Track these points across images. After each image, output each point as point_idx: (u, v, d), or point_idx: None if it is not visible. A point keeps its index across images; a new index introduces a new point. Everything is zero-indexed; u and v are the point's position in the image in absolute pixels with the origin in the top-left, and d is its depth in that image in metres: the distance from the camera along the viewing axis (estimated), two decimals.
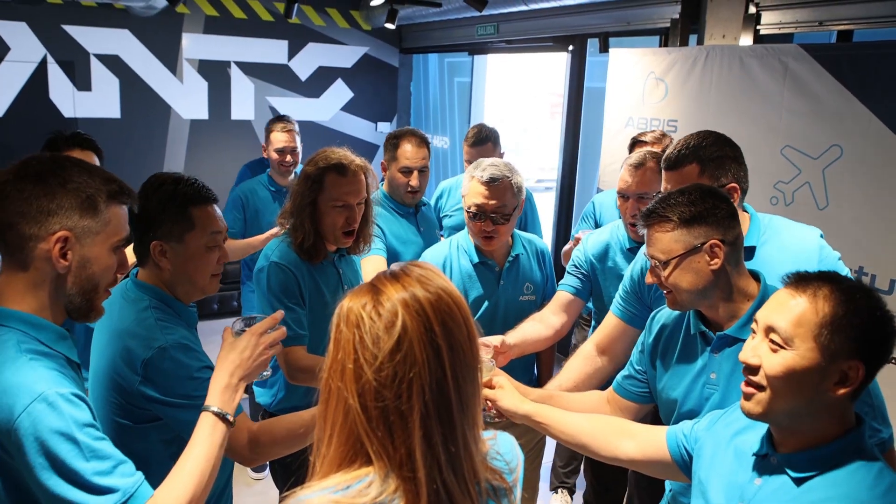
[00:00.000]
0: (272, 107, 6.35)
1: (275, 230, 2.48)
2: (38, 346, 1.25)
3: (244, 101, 6.23)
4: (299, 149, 3.77)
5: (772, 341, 1.25)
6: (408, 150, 2.87)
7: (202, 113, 6.08)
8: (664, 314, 1.83)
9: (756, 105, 3.28)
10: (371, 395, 0.95)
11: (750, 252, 1.92)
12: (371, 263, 2.53)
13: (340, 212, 2.22)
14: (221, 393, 1.41)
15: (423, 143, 2.89)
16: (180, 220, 1.65)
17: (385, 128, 7.03)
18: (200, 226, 1.67)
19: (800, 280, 1.28)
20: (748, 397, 1.29)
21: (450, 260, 2.45)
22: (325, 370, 1.01)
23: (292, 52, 6.37)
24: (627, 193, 2.39)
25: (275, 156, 3.71)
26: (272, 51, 6.28)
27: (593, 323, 2.69)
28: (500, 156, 3.57)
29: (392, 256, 2.74)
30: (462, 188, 2.42)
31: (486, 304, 2.42)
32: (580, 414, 1.77)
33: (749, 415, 1.30)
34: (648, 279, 1.70)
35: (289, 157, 3.71)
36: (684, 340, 1.75)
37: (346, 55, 6.65)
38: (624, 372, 1.91)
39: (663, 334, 1.81)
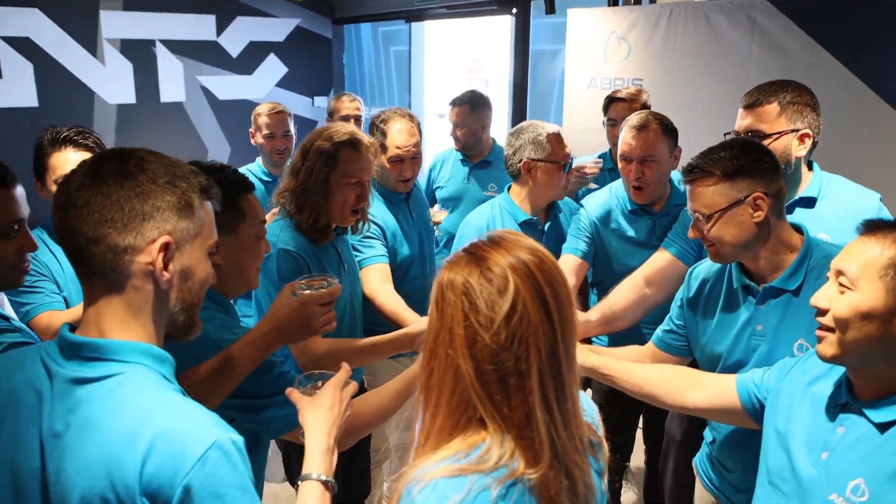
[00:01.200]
0: (203, 86, 6.01)
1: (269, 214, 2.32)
2: (168, 384, 1.06)
3: (173, 81, 5.85)
4: (293, 132, 3.44)
5: (840, 284, 1.29)
6: (398, 137, 2.58)
7: (129, 97, 5.67)
8: (703, 269, 1.85)
9: (724, 61, 3.32)
10: (488, 358, 0.97)
11: (810, 202, 2.00)
12: (377, 273, 2.42)
13: (353, 189, 2.14)
14: (323, 457, 1.27)
15: (415, 126, 2.64)
16: (231, 209, 1.58)
17: (322, 102, 6.78)
18: (251, 215, 1.64)
19: (871, 226, 1.32)
20: (821, 340, 1.33)
21: (493, 221, 2.52)
22: (427, 340, 1.03)
23: (220, 28, 6.01)
24: (631, 156, 2.37)
25: (264, 142, 3.36)
26: (199, 27, 5.91)
27: (594, 291, 2.68)
28: (487, 123, 3.52)
29: (390, 256, 2.60)
30: (530, 150, 2.47)
31: None
32: (648, 365, 1.83)
33: (823, 358, 1.33)
34: (691, 234, 1.72)
35: (281, 143, 3.36)
36: (727, 294, 1.78)
37: (277, 28, 6.34)
38: (664, 326, 1.94)
39: (704, 289, 1.84)
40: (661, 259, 2.24)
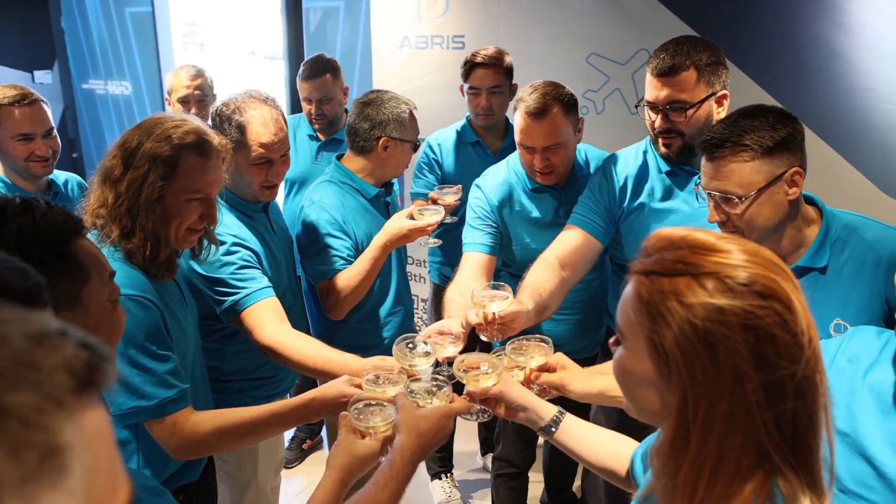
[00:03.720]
0: None
1: None
2: None
3: None
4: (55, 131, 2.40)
5: None
6: (262, 132, 1.92)
7: None
8: None
9: (554, 14, 3.17)
10: (792, 397, 0.79)
11: None
12: (270, 312, 1.83)
13: (196, 207, 1.61)
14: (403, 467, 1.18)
15: (279, 114, 1.99)
16: (68, 269, 1.07)
17: (45, 77, 5.53)
18: (95, 268, 1.11)
19: None
20: None
21: (344, 200, 2.20)
22: (694, 410, 0.79)
23: None
24: (534, 146, 2.09)
25: (14, 147, 2.29)
26: None
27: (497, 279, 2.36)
28: (345, 90, 3.03)
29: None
30: (392, 127, 2.20)
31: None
32: None
33: None
34: (713, 218, 1.47)
35: (45, 148, 2.33)
36: None
37: None
38: None
39: None
40: (572, 238, 2.00)
